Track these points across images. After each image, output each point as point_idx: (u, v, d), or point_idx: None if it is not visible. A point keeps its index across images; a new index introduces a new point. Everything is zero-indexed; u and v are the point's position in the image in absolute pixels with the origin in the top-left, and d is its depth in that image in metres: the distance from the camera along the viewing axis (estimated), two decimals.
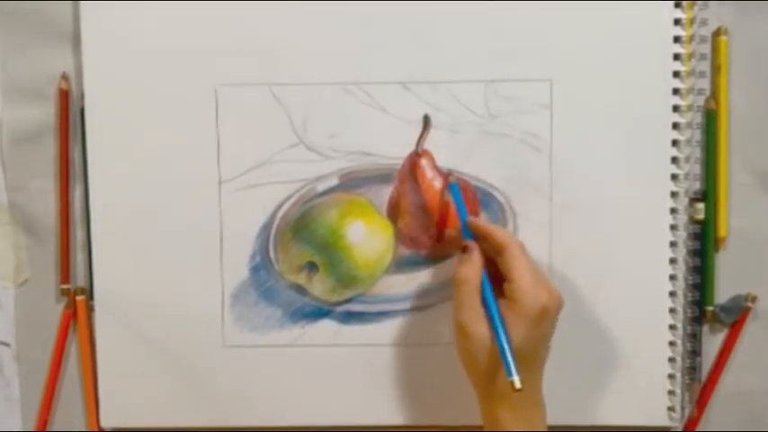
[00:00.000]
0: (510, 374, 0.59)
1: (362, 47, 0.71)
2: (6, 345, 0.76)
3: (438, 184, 0.71)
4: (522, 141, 0.72)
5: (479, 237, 0.66)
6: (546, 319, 0.62)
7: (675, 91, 0.71)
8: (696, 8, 0.71)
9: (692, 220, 0.73)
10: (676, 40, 0.71)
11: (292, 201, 0.72)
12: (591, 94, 0.71)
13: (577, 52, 0.71)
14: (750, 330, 0.75)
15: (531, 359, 0.63)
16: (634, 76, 0.71)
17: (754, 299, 0.74)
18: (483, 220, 0.69)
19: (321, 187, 0.73)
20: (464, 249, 0.66)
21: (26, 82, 0.73)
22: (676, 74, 0.71)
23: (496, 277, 0.64)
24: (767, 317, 0.75)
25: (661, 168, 0.72)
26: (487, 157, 0.72)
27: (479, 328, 0.62)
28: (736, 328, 0.74)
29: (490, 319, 0.62)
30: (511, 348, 0.60)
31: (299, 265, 0.72)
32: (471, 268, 0.64)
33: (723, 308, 0.74)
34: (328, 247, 0.71)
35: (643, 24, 0.71)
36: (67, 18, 0.72)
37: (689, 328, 0.73)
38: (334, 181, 0.72)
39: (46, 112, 0.74)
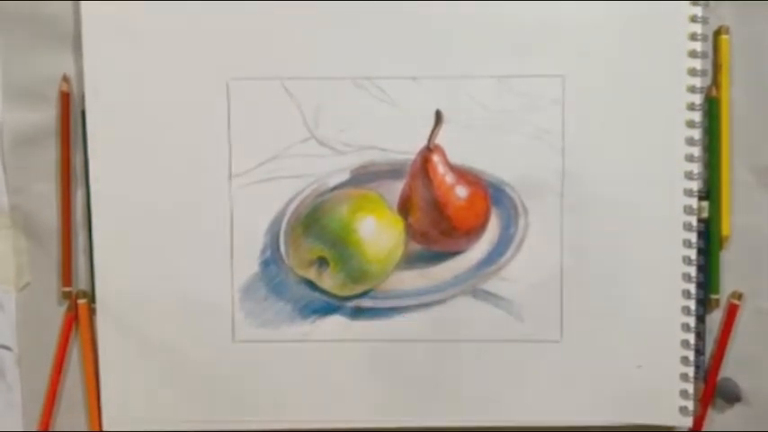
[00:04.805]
0: None
1: (374, 41, 0.71)
2: (8, 348, 0.75)
3: (449, 179, 0.71)
4: (534, 137, 0.71)
5: None
6: None
7: (691, 88, 0.71)
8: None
9: (696, 219, 0.73)
10: (692, 37, 0.71)
11: (303, 195, 0.72)
12: (604, 90, 0.71)
13: (590, 48, 0.71)
14: (751, 328, 0.74)
15: None
16: (648, 73, 0.71)
17: (740, 296, 0.74)
18: None
19: (332, 182, 0.72)
20: None
21: (27, 84, 0.73)
22: (691, 71, 0.71)
23: None
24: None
25: (675, 166, 0.71)
26: (499, 153, 0.72)
27: None
28: (727, 325, 0.74)
29: None
30: None
31: (309, 260, 0.72)
32: None
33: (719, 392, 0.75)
34: (339, 241, 0.71)
35: (658, 20, 0.71)
36: (68, 19, 0.72)
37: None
38: (345, 176, 0.72)
39: (47, 115, 0.74)
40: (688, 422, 0.73)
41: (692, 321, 0.72)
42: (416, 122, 0.71)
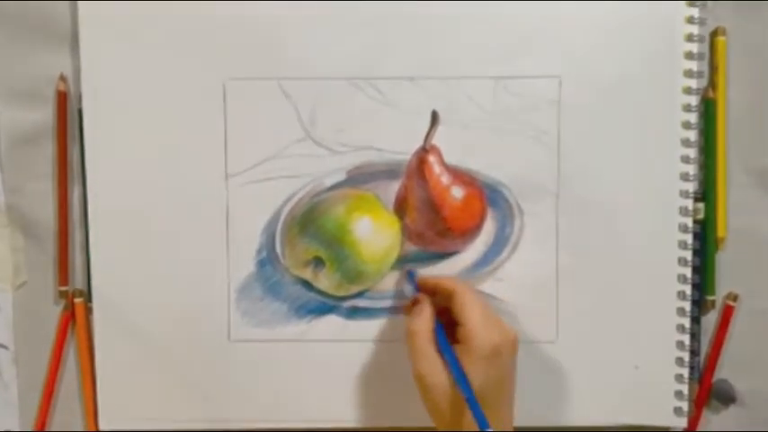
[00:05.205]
0: (483, 427, 0.59)
1: (371, 42, 0.71)
2: (4, 347, 0.75)
3: (445, 180, 0.71)
4: (530, 138, 0.72)
5: (429, 290, 0.68)
6: (500, 357, 0.63)
7: (687, 90, 0.71)
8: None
9: (692, 220, 0.73)
10: (689, 38, 0.71)
11: (299, 195, 0.72)
12: (600, 91, 0.71)
13: (587, 49, 0.71)
14: (747, 329, 0.75)
15: (494, 399, 0.63)
16: (644, 74, 0.71)
17: (735, 298, 0.74)
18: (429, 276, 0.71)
19: (328, 182, 0.72)
20: (414, 302, 0.68)
21: (24, 83, 0.73)
22: (687, 72, 0.71)
23: (451, 326, 0.65)
24: (764, 316, 0.75)
25: (671, 167, 0.72)
26: (495, 154, 0.72)
27: (438, 377, 0.63)
28: (722, 326, 0.74)
29: (449, 367, 0.63)
30: (474, 397, 0.61)
31: (305, 260, 0.72)
32: (422, 319, 0.65)
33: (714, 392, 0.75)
34: (335, 242, 0.71)
35: (654, 22, 0.71)
36: (65, 18, 0.72)
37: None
38: (341, 176, 0.72)
39: (44, 114, 0.74)
40: (683, 423, 0.74)
41: (687, 322, 0.72)
42: (413, 123, 0.71)
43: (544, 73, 0.71)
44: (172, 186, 0.72)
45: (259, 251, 0.73)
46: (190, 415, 0.74)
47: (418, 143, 0.71)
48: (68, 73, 0.73)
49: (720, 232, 0.73)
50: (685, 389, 0.73)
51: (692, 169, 0.71)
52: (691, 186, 0.72)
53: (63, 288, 0.75)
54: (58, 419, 0.76)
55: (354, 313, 0.73)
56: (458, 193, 0.71)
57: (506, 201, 0.72)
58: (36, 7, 0.72)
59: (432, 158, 0.71)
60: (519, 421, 0.73)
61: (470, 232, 0.72)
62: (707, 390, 0.74)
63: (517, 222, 0.72)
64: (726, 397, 0.74)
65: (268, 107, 0.72)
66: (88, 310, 0.75)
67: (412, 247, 0.73)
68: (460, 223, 0.71)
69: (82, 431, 0.76)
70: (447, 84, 0.71)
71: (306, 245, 0.71)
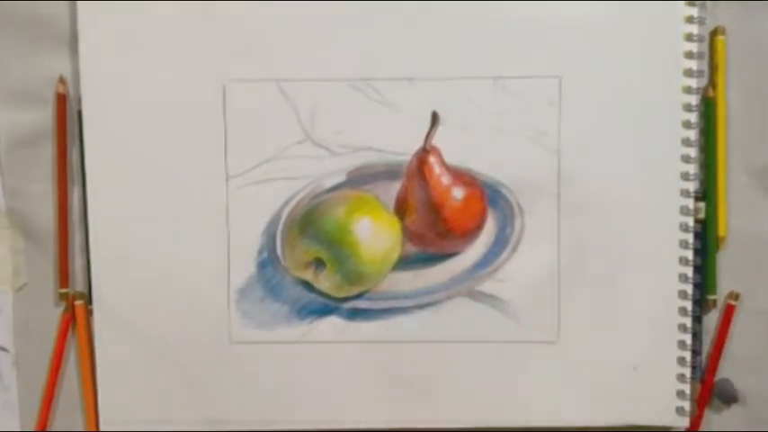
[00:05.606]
0: None
1: (370, 43, 0.71)
2: (5, 350, 0.75)
3: (446, 180, 0.71)
4: (530, 138, 0.71)
5: None
6: None
7: (687, 89, 0.71)
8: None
9: (693, 219, 0.72)
10: (688, 37, 0.71)
11: (300, 197, 0.72)
12: (600, 91, 0.71)
13: (587, 49, 0.71)
14: (748, 329, 0.74)
15: None
16: (644, 74, 0.71)
17: (737, 296, 0.74)
18: None
19: (328, 183, 0.72)
20: None
21: (23, 85, 0.73)
22: (687, 71, 0.71)
23: None
24: (766, 315, 0.74)
25: (672, 167, 0.71)
26: (495, 155, 0.72)
27: None
28: (724, 325, 0.74)
29: None
30: None
31: (305, 262, 0.72)
32: None
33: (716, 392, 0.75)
34: (335, 243, 0.71)
35: (654, 21, 0.71)
36: (65, 20, 0.72)
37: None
38: (341, 177, 0.72)
39: (43, 116, 0.73)
40: (685, 422, 0.74)
41: (688, 322, 0.72)
42: (413, 123, 0.71)
43: (544, 73, 0.71)
44: (172, 188, 0.72)
45: (260, 252, 0.73)
46: (190, 416, 0.74)
47: (418, 144, 0.71)
48: (68, 74, 0.73)
49: (721, 231, 0.73)
50: (687, 388, 0.73)
51: (692, 168, 0.71)
52: (691, 186, 0.72)
53: (63, 290, 0.74)
54: (58, 421, 0.76)
55: (355, 314, 0.73)
56: (458, 193, 0.71)
57: (507, 201, 0.72)
58: (35, 8, 0.72)
59: (432, 159, 0.71)
60: (520, 422, 0.74)
61: (471, 233, 0.72)
62: (709, 389, 0.74)
63: (518, 223, 0.72)
64: (728, 396, 0.74)
65: (268, 108, 0.72)
66: (89, 312, 0.74)
67: (412, 249, 0.73)
68: (461, 224, 0.71)
69: None
70: (447, 84, 0.71)
71: (306, 246, 0.71)
